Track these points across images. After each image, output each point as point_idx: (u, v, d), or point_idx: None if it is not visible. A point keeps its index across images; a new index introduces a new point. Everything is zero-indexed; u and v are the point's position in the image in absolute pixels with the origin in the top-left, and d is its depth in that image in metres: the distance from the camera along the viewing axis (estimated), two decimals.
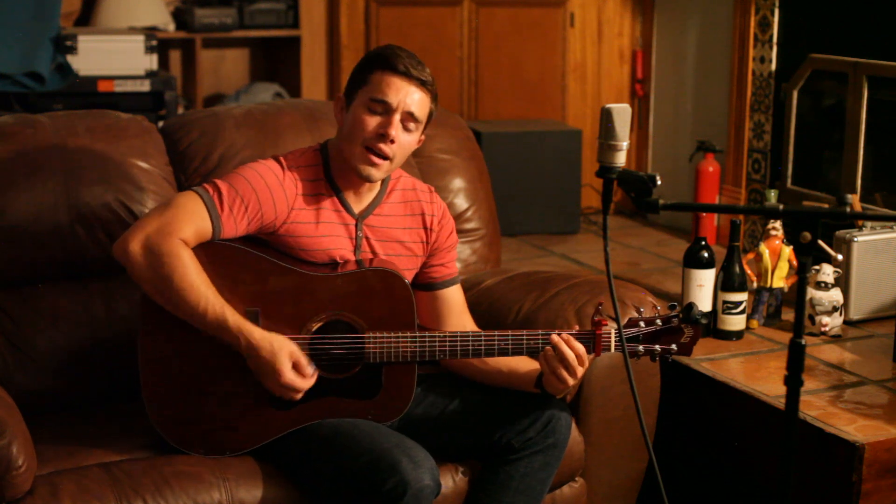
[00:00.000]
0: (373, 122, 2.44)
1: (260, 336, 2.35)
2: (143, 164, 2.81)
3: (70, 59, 4.33)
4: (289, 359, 2.35)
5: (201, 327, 2.37)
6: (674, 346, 2.47)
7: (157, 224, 2.36)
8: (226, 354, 2.41)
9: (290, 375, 2.34)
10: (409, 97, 2.44)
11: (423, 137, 2.54)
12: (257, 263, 2.42)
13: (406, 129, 2.46)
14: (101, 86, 4.37)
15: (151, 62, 4.42)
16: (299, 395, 2.38)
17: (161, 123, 3.15)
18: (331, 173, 2.52)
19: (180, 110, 4.57)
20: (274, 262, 2.43)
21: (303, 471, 2.43)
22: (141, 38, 4.42)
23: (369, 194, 2.56)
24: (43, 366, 2.69)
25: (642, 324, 2.47)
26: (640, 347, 2.47)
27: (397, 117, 2.44)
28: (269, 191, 2.44)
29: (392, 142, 2.43)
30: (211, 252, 2.39)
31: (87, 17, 4.80)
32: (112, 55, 4.38)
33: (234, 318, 2.35)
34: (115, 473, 2.35)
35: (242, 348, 2.35)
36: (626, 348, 2.42)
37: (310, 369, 2.37)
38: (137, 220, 2.51)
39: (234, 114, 3.02)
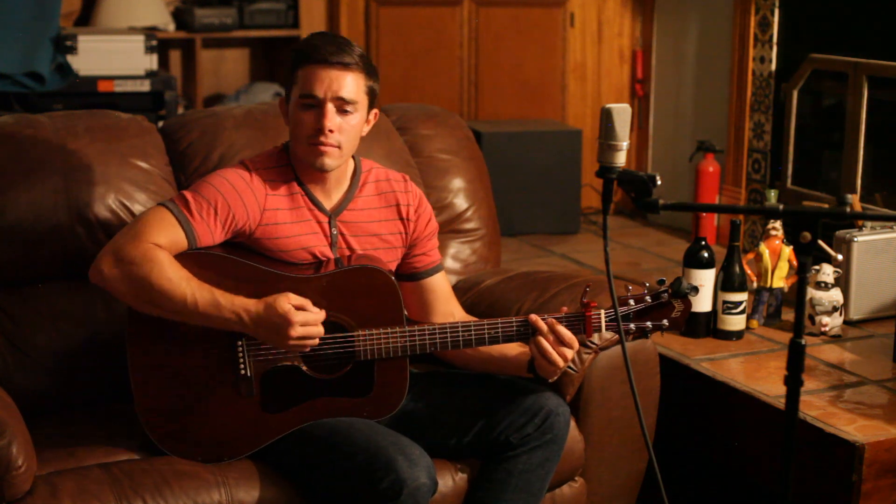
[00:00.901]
0: (308, 118, 2.43)
1: (254, 303, 2.33)
2: (143, 164, 2.81)
3: (70, 59, 4.32)
4: (289, 303, 2.32)
5: (194, 321, 2.35)
6: (665, 322, 2.47)
7: (125, 238, 2.36)
8: (217, 363, 2.41)
9: (299, 316, 2.31)
10: (335, 83, 2.42)
11: (376, 112, 2.53)
12: (239, 269, 2.41)
13: (343, 112, 2.43)
14: (101, 86, 4.37)
15: (151, 62, 4.41)
16: (319, 331, 2.34)
17: (161, 123, 3.15)
18: (296, 172, 2.52)
19: (180, 110, 4.57)
20: (256, 266, 2.42)
21: (300, 471, 2.43)
22: (141, 38, 4.42)
23: (339, 190, 2.55)
24: (43, 366, 2.69)
25: (632, 301, 2.46)
26: (632, 325, 2.46)
27: (329, 107, 2.42)
28: (237, 193, 2.43)
29: (331, 131, 2.42)
30: (191, 261, 2.37)
31: (87, 17, 4.80)
32: (112, 55, 4.38)
33: (224, 297, 2.33)
34: (115, 473, 2.34)
35: (245, 322, 2.33)
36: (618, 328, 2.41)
37: (313, 306, 2.34)
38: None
39: (234, 114, 3.02)
